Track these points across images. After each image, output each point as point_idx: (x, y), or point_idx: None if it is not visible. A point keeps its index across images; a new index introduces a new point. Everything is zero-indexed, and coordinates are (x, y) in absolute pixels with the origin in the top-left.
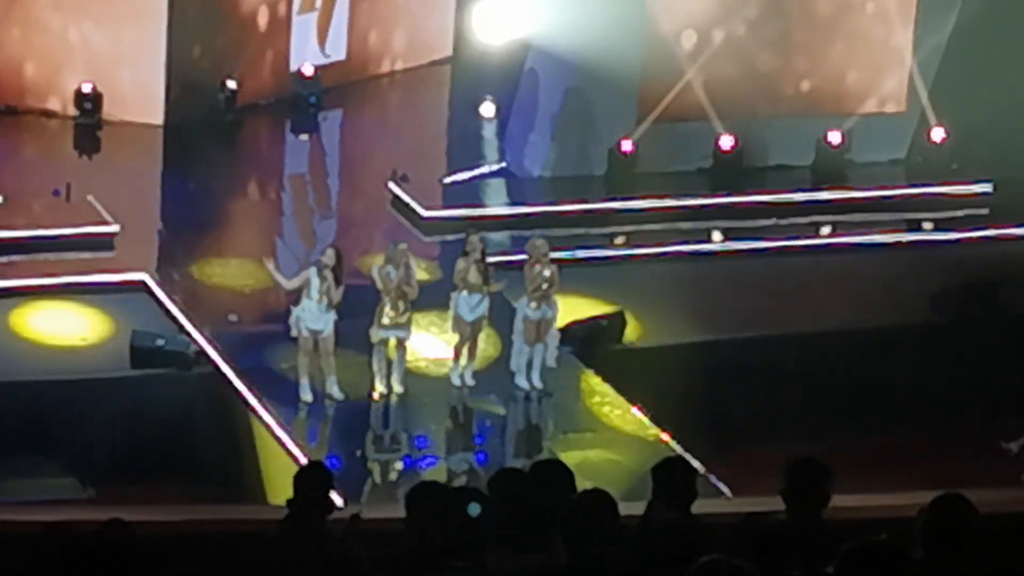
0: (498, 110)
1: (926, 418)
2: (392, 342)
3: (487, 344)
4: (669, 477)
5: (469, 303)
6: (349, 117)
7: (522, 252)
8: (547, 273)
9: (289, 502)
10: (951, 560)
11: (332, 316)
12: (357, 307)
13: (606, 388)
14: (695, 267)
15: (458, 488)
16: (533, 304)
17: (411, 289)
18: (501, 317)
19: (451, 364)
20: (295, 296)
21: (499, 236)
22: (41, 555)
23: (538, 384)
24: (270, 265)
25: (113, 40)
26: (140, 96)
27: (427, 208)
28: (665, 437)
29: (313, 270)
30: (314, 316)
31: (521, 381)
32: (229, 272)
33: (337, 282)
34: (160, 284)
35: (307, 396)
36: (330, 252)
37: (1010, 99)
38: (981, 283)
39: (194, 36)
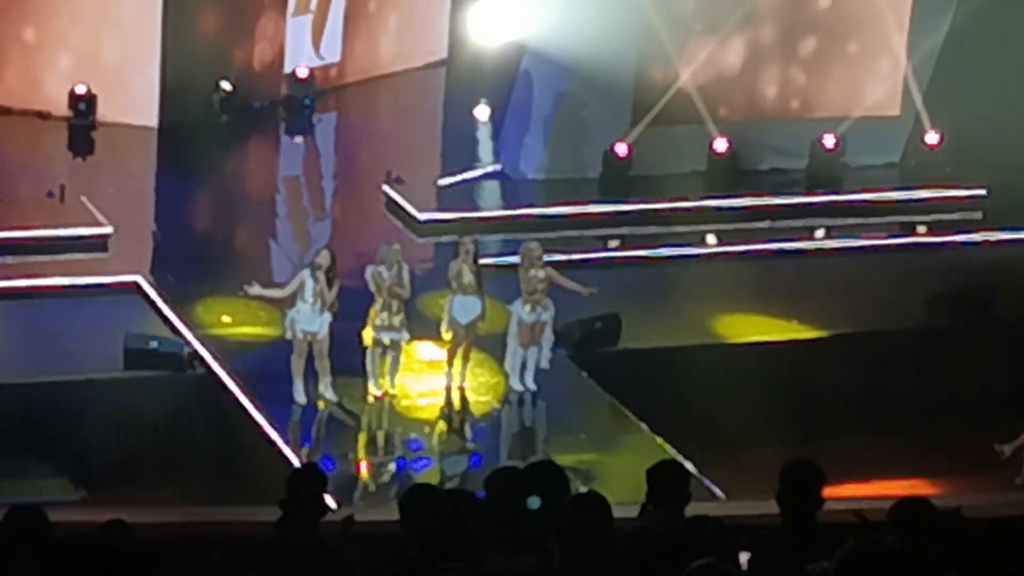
0: (493, 112)
1: (920, 422)
2: (386, 343)
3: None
4: (663, 480)
5: (464, 305)
6: (344, 119)
7: (516, 254)
8: (541, 276)
9: (282, 504)
10: (931, 560)
11: (327, 318)
12: (351, 309)
13: (600, 391)
14: (689, 270)
15: (452, 490)
16: (528, 307)
17: (403, 290)
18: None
19: (445, 366)
20: (291, 298)
21: (493, 238)
22: (40, 555)
23: (532, 386)
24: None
25: (108, 42)
26: (135, 98)
27: (422, 210)
28: (659, 440)
29: (307, 272)
30: (308, 318)
31: (515, 383)
32: (223, 274)
33: (330, 284)
34: (154, 286)
35: (301, 398)
36: (324, 254)
37: (1004, 103)
38: (975, 287)
39: (189, 38)
